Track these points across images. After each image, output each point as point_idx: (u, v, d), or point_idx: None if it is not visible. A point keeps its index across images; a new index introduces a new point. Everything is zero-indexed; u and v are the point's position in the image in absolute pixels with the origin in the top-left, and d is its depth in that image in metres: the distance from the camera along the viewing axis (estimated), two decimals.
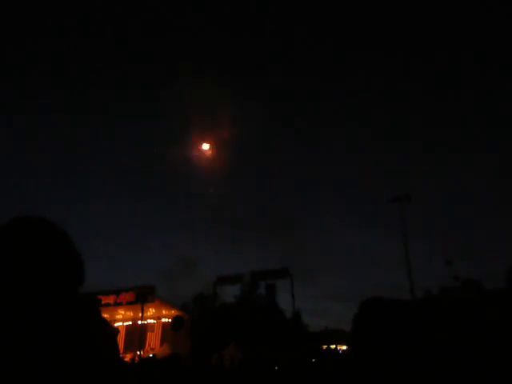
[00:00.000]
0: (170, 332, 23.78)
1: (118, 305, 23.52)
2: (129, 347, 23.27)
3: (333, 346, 21.91)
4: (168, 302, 24.25)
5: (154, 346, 24.29)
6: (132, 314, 24.87)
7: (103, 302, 21.92)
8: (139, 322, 22.71)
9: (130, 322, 25.37)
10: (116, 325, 25.07)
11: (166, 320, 24.92)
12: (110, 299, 23.14)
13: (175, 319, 21.91)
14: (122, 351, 22.43)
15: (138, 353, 21.24)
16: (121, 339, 24.45)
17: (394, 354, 1.45)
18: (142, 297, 21.89)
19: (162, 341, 24.22)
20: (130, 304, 23.21)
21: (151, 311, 24.69)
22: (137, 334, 22.88)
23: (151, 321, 25.30)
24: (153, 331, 25.29)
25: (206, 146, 26.02)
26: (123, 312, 25.33)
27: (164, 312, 25.17)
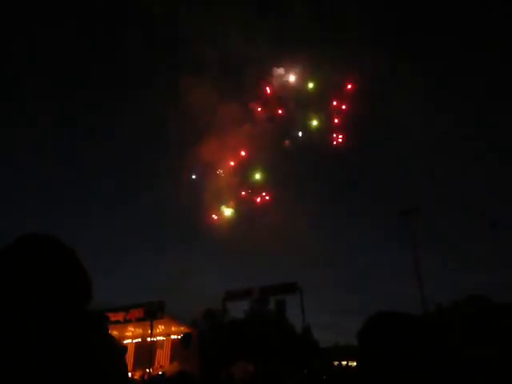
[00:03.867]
0: (179, 349, 23.49)
1: (127, 322, 23.43)
2: (138, 365, 23.09)
3: (344, 363, 21.55)
4: (177, 319, 24.10)
5: (163, 363, 24.06)
6: (141, 331, 24.73)
7: (113, 319, 21.85)
8: (148, 339, 22.56)
9: (139, 339, 25.20)
10: (125, 342, 24.92)
11: (176, 337, 24.72)
12: (120, 316, 23.08)
13: (184, 336, 21.83)
14: (131, 369, 22.24)
15: (148, 370, 21.05)
16: (130, 357, 24.26)
17: (401, 368, 1.44)
18: (151, 313, 21.80)
19: (172, 358, 23.98)
20: (139, 321, 23.11)
21: (160, 328, 24.52)
22: (146, 352, 22.70)
23: (160, 338, 25.11)
24: (162, 348, 25.08)
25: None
26: (133, 329, 25.20)
27: (173, 329, 24.99)
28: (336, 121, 21.80)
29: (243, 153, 22.11)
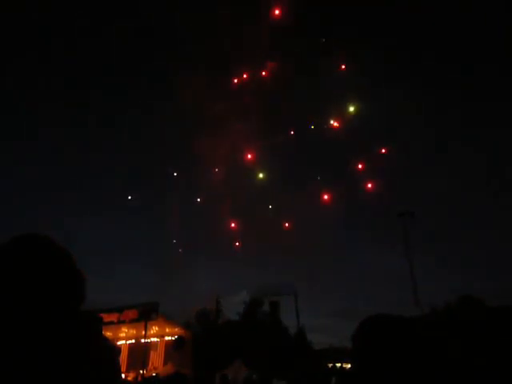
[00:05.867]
0: (173, 351, 23.49)
1: (121, 323, 23.32)
2: (132, 366, 22.99)
3: (338, 364, 21.56)
4: (171, 320, 24.01)
5: (157, 364, 23.98)
6: (135, 332, 24.62)
7: (106, 320, 21.73)
8: (142, 341, 22.48)
9: (133, 341, 25.09)
10: (119, 343, 24.79)
11: (170, 338, 24.64)
12: (114, 317, 22.95)
13: (177, 339, 21.86)
14: (124, 370, 22.14)
15: (141, 372, 20.96)
16: (124, 358, 24.16)
17: (395, 370, 1.44)
18: (146, 314, 21.73)
19: (165, 360, 23.91)
20: (133, 322, 23.01)
21: (154, 329, 24.43)
22: (140, 353, 22.63)
23: (154, 339, 25.02)
24: (156, 350, 24.99)
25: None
26: (126, 330, 25.08)
27: (167, 330, 24.90)
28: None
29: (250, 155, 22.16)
